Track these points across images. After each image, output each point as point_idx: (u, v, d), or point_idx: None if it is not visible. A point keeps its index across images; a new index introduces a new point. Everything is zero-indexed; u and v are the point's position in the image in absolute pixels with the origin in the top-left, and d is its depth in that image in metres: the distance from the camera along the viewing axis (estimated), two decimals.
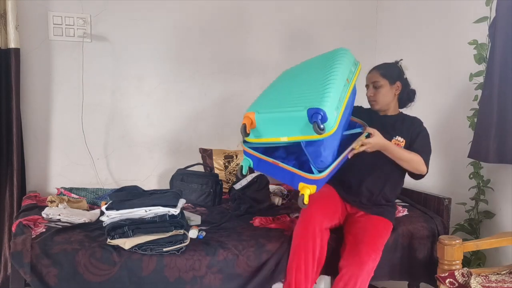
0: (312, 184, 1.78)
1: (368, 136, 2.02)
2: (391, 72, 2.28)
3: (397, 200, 2.53)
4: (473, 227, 2.47)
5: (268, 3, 3.06)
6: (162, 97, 2.89)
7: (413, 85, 2.35)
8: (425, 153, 2.18)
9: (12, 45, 2.44)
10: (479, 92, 2.41)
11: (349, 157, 1.96)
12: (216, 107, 3.00)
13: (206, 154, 2.89)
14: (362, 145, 1.99)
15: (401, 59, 2.33)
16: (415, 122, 2.29)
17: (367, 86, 2.31)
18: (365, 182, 2.21)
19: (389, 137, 2.19)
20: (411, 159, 2.14)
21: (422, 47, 2.93)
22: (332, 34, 3.22)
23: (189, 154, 2.95)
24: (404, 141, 2.23)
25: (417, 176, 2.21)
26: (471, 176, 2.48)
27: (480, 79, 2.43)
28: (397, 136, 2.24)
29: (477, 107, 2.41)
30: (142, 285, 1.83)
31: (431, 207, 2.40)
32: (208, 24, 2.94)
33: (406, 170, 2.21)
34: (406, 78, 2.32)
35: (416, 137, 2.22)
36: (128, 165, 2.84)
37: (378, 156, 2.12)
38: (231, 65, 3.02)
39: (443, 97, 2.77)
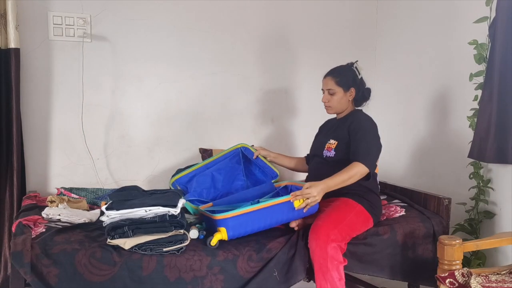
0: (221, 226, 1.97)
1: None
2: (346, 79, 2.32)
3: (396, 200, 2.53)
4: (473, 227, 2.47)
5: (267, 3, 3.06)
6: (162, 97, 2.89)
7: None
8: (362, 155, 2.13)
9: (12, 45, 2.44)
10: (479, 92, 2.41)
11: (304, 210, 2.08)
12: (216, 107, 3.00)
13: (206, 154, 2.88)
14: (305, 202, 2.06)
15: (356, 61, 2.37)
16: (354, 119, 2.28)
17: (322, 90, 2.37)
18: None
19: (325, 141, 2.31)
20: (350, 177, 2.10)
21: (422, 47, 2.93)
22: (332, 34, 3.22)
23: (189, 154, 2.95)
24: (336, 142, 2.26)
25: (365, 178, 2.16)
26: (471, 176, 2.48)
27: (480, 79, 2.42)
28: (330, 140, 2.30)
29: (477, 107, 2.41)
30: (142, 284, 1.83)
31: (431, 207, 2.39)
32: (209, 24, 2.94)
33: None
34: (361, 78, 2.36)
35: (353, 136, 2.21)
36: (128, 165, 2.84)
37: (321, 169, 2.26)
38: (231, 65, 3.01)
39: (443, 97, 2.77)
